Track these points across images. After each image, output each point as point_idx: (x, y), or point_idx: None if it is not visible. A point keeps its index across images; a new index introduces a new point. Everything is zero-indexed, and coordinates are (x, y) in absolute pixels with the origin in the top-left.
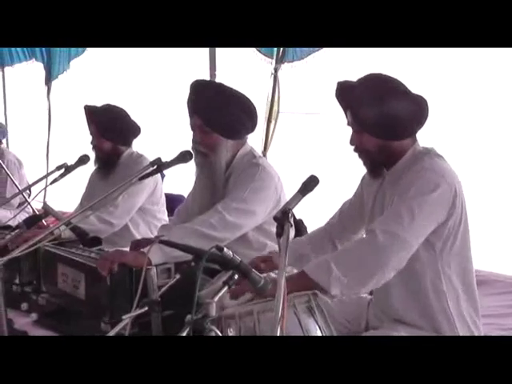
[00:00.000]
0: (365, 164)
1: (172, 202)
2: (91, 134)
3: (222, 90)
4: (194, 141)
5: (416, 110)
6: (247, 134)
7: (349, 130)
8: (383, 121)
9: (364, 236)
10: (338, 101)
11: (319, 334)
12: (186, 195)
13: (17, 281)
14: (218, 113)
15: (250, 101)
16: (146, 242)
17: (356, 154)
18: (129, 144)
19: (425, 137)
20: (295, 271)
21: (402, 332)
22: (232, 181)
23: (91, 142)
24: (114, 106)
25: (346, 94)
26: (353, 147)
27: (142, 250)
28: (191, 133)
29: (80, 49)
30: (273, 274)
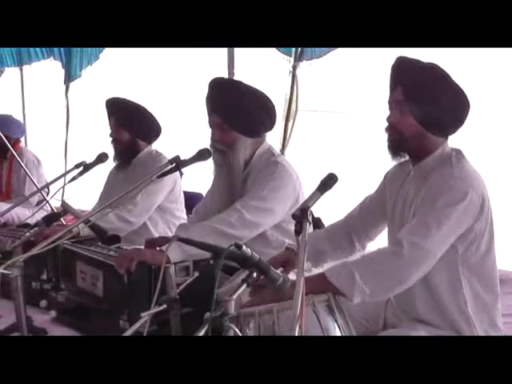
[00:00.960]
0: (390, 142)
1: (190, 200)
2: (111, 127)
3: (240, 87)
4: (212, 139)
5: (464, 112)
6: (266, 131)
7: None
8: (434, 113)
9: (389, 246)
10: (393, 74)
11: (338, 332)
12: (204, 193)
13: (41, 277)
14: (237, 111)
15: (268, 98)
16: (162, 240)
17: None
18: (148, 141)
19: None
20: (313, 269)
21: (421, 330)
22: (251, 179)
23: (110, 135)
24: (136, 102)
25: (405, 69)
26: (386, 125)
27: (160, 247)
28: (210, 131)
29: (100, 51)
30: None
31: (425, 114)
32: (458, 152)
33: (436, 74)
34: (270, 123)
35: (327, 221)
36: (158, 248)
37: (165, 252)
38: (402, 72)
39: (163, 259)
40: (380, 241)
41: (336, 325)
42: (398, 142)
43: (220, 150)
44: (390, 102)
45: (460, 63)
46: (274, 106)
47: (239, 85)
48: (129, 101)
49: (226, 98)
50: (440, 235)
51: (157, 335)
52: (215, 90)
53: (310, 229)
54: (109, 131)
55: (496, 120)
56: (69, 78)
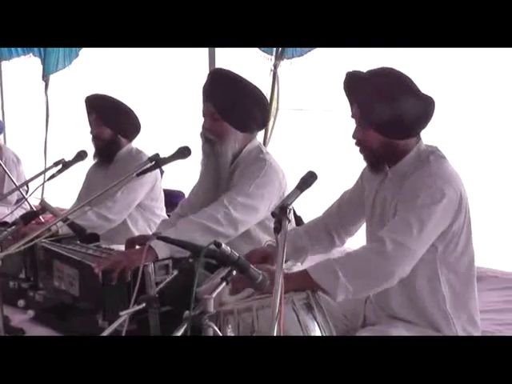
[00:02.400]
0: (366, 159)
1: (170, 197)
2: (91, 124)
3: (239, 81)
4: (203, 127)
5: (424, 111)
6: (257, 129)
7: (349, 127)
8: (392, 121)
9: (371, 243)
10: (346, 92)
11: (317, 330)
12: (185, 191)
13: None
14: (232, 103)
15: (264, 97)
16: (142, 238)
17: (357, 149)
18: (129, 138)
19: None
20: (294, 268)
21: (400, 328)
22: (237, 174)
23: (91, 132)
24: (116, 98)
25: (355, 86)
26: (354, 141)
27: (141, 246)
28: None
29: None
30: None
31: (385, 123)
32: (436, 150)
33: (389, 80)
34: (261, 121)
35: (307, 219)
36: (137, 247)
37: (143, 250)
38: (354, 89)
39: (150, 255)
40: (360, 236)
41: (315, 323)
42: (372, 158)
43: (209, 139)
44: (352, 117)
45: (446, 62)
46: (267, 105)
47: (238, 78)
48: (110, 97)
49: (223, 89)
50: (422, 235)
51: (136, 334)
52: (214, 80)
53: (289, 226)
54: (88, 129)
55: (469, 118)
56: (46, 74)
